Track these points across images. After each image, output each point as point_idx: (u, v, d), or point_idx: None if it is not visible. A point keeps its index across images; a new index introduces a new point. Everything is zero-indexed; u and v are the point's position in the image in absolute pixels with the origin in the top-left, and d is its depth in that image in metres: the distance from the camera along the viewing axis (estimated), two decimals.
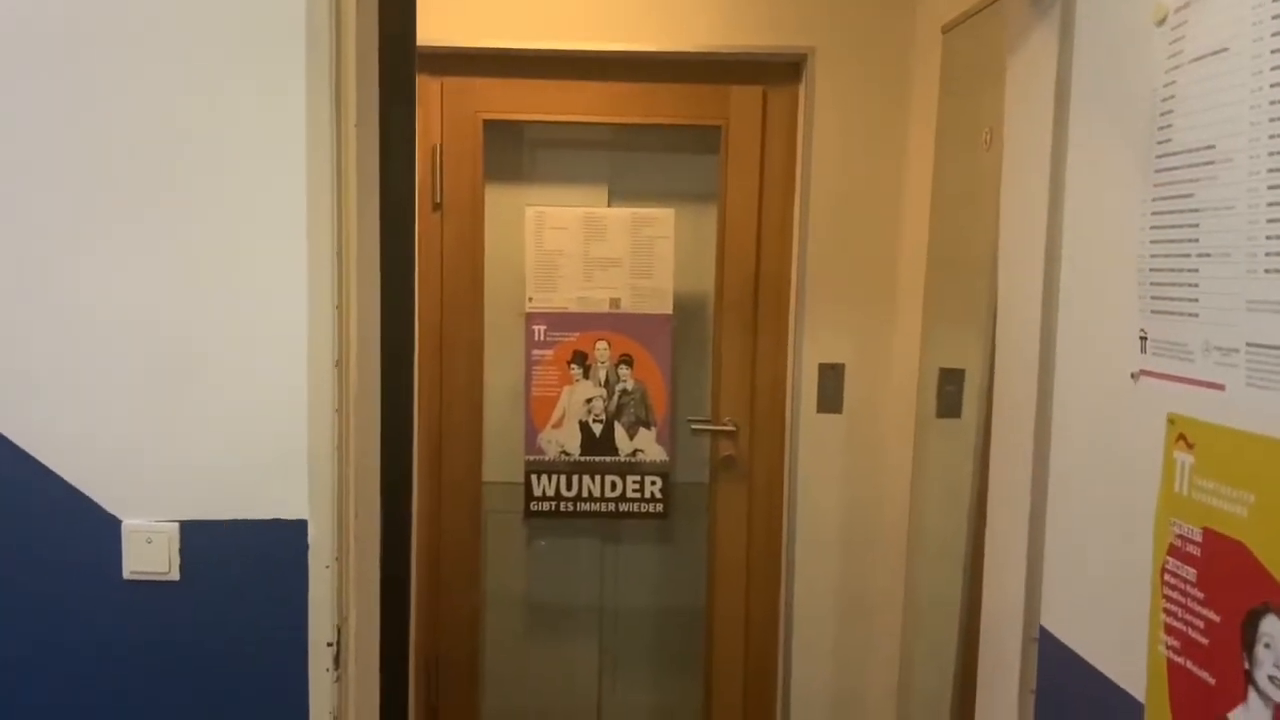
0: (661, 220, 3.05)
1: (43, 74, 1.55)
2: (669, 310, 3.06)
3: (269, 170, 1.55)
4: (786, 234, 2.97)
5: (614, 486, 3.12)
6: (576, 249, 3.04)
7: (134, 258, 1.56)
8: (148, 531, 1.59)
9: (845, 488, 2.93)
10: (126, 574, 1.60)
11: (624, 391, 3.09)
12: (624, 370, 3.08)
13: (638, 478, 3.11)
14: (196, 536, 1.60)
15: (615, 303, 3.06)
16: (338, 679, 1.61)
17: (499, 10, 2.82)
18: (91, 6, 1.53)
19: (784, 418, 3.03)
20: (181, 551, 1.60)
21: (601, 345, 3.07)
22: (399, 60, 1.85)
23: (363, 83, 1.62)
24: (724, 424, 3.09)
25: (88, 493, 1.59)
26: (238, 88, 1.55)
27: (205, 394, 1.59)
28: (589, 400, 3.09)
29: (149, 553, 1.59)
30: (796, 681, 2.99)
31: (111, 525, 1.59)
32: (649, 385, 3.08)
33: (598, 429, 3.10)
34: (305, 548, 1.59)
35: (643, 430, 3.10)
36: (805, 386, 2.90)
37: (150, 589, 1.60)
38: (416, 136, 2.69)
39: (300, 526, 1.59)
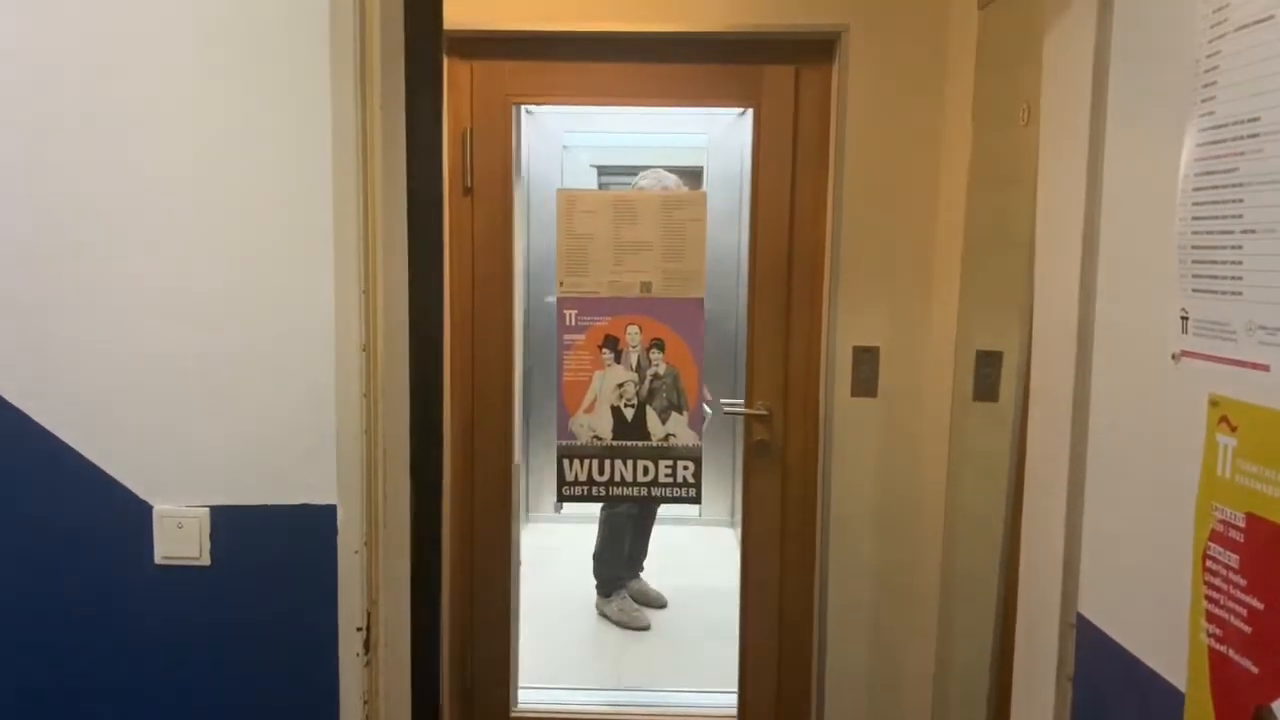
0: (694, 202, 3.02)
1: (70, 61, 1.55)
2: (701, 294, 3.02)
3: (294, 154, 1.55)
4: (820, 216, 2.93)
5: (646, 471, 3.09)
6: (606, 232, 3.01)
7: (160, 245, 1.57)
8: (178, 517, 1.60)
9: (880, 472, 2.89)
10: (158, 559, 1.61)
11: (655, 376, 3.06)
12: (655, 354, 3.05)
13: (670, 462, 3.09)
14: (227, 522, 1.61)
15: (646, 286, 3.02)
16: (368, 663, 1.62)
17: None
18: None
19: (818, 401, 3.00)
20: (212, 537, 1.61)
21: (633, 329, 3.04)
22: (425, 42, 1.84)
23: (388, 65, 1.60)
24: (757, 408, 3.07)
25: (119, 478, 1.60)
26: (262, 72, 1.55)
27: (234, 380, 1.59)
28: (620, 385, 3.07)
29: (180, 538, 1.60)
30: (832, 664, 2.97)
31: (143, 511, 1.61)
32: (681, 369, 3.05)
33: (630, 413, 3.07)
34: (334, 533, 1.59)
35: (675, 415, 3.07)
36: (839, 370, 2.87)
37: (181, 574, 1.62)
38: (447, 121, 2.70)
39: (329, 512, 1.59)
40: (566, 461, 3.10)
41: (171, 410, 1.59)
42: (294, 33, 1.54)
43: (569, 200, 3.03)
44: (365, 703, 1.61)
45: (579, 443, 3.09)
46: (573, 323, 3.04)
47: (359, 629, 1.60)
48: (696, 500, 3.14)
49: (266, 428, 1.59)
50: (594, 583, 4.44)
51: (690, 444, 3.08)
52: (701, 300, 3.03)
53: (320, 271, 1.55)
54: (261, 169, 1.56)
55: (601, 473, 3.10)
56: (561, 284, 3.04)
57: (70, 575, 1.62)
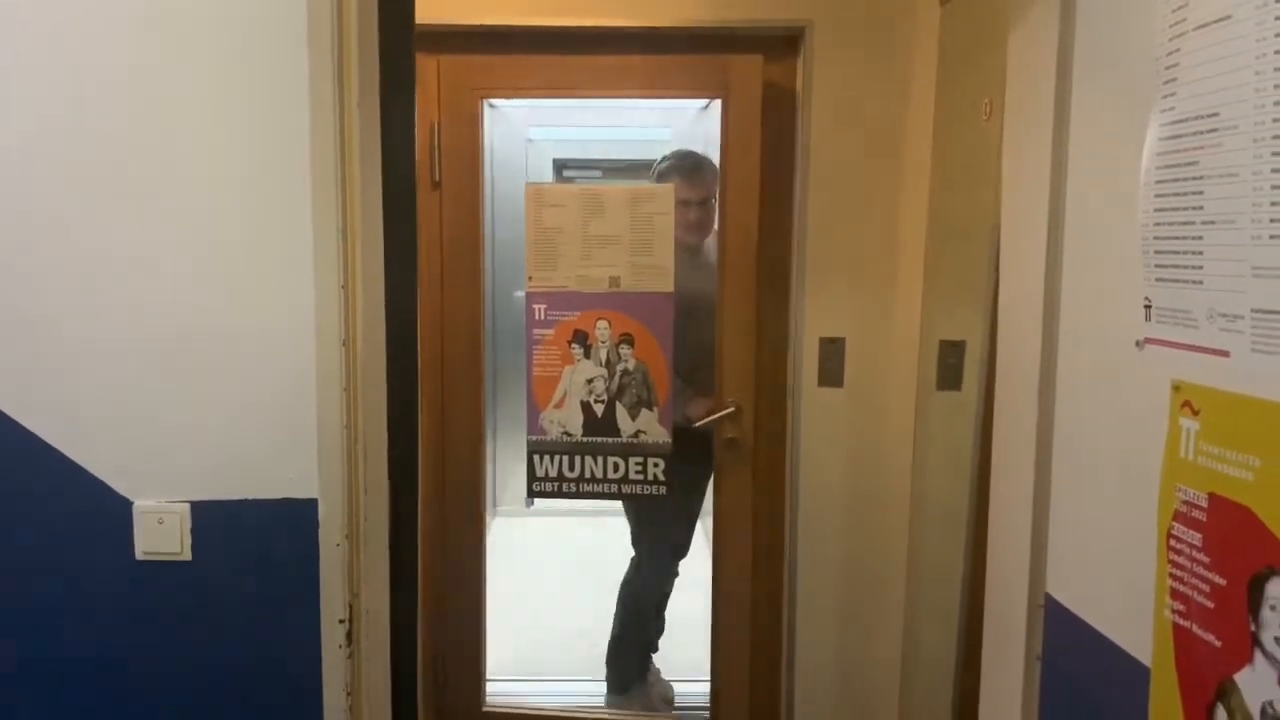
0: (661, 195, 3.00)
1: (52, 60, 1.55)
2: (670, 288, 2.98)
3: (273, 149, 1.56)
4: (786, 209, 2.96)
5: (616, 468, 3.06)
6: (575, 226, 2.98)
7: (141, 240, 1.57)
8: (159, 512, 1.60)
9: (848, 460, 2.94)
10: (138, 554, 1.62)
11: (625, 372, 3.02)
12: (625, 350, 3.01)
13: (640, 459, 3.05)
14: (208, 516, 1.62)
15: (615, 281, 2.99)
16: (350, 655, 1.63)
17: None
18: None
19: (785, 392, 3.03)
20: (193, 532, 1.61)
21: (602, 324, 3.01)
22: (398, 37, 1.85)
23: (364, 61, 1.61)
24: (725, 405, 3.04)
25: (99, 475, 1.60)
26: (241, 68, 1.56)
27: (214, 375, 1.60)
28: (590, 380, 3.03)
29: (160, 533, 1.60)
30: (801, 651, 3.01)
31: (123, 506, 1.61)
32: (651, 365, 3.01)
33: (599, 409, 3.04)
34: (316, 526, 1.60)
35: (644, 411, 3.03)
36: (806, 360, 2.91)
37: (162, 569, 1.62)
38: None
39: (310, 505, 1.60)
40: (536, 457, 3.06)
41: (151, 406, 1.60)
42: (272, 30, 1.54)
43: (537, 194, 3.01)
44: (348, 694, 1.62)
45: (549, 438, 3.05)
46: (542, 317, 3.01)
47: (341, 621, 1.61)
48: (667, 497, 3.08)
49: (247, 422, 1.60)
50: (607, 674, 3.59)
51: (660, 440, 3.03)
52: (670, 295, 2.99)
53: (300, 267, 1.56)
54: (240, 164, 1.57)
55: (571, 469, 3.07)
56: (531, 278, 3.00)
57: (51, 572, 1.62)
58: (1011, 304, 1.72)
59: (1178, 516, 1.19)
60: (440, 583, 3.12)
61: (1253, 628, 1.05)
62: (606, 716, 3.36)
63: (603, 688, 3.52)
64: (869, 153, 2.82)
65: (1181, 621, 1.18)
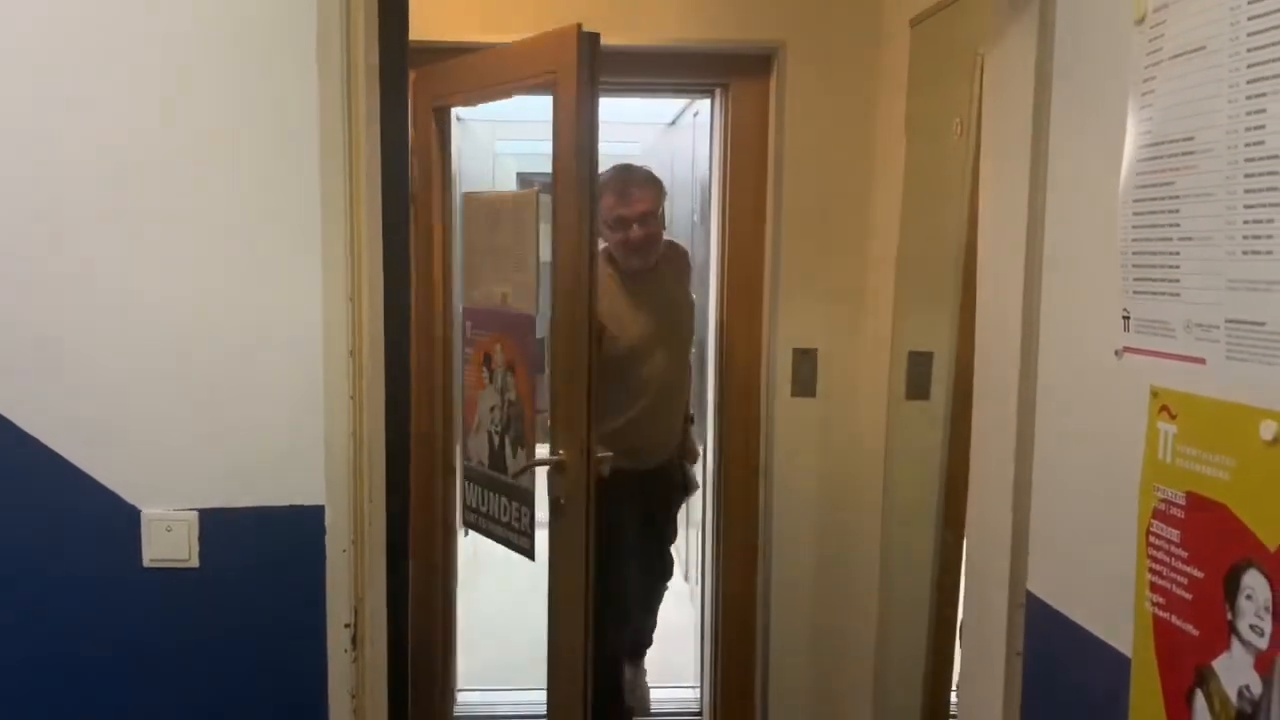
0: (525, 203, 2.52)
1: (66, 76, 1.58)
2: (531, 310, 2.48)
3: (285, 164, 1.59)
4: (760, 223, 3.03)
5: (504, 510, 2.59)
6: (486, 238, 2.67)
7: (153, 253, 1.60)
8: (167, 520, 1.63)
9: (820, 468, 3.00)
10: (146, 562, 1.64)
11: (510, 402, 2.57)
12: (509, 378, 2.56)
13: (518, 506, 2.56)
14: (215, 524, 1.64)
15: (505, 298, 2.57)
16: (355, 659, 1.66)
17: (460, 5, 2.85)
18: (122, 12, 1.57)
19: (759, 401, 3.09)
20: (201, 539, 1.64)
21: (498, 347, 2.62)
22: (394, 58, 1.89)
23: (369, 80, 1.66)
24: (555, 454, 2.38)
25: (107, 483, 1.62)
26: (254, 85, 1.59)
27: (222, 384, 1.62)
28: (492, 408, 2.64)
29: (169, 541, 1.63)
30: (775, 653, 3.08)
31: (131, 515, 1.63)
32: (524, 398, 2.54)
33: (497, 441, 2.63)
34: (322, 533, 1.64)
35: (521, 451, 2.55)
36: (780, 371, 2.97)
37: (170, 576, 1.64)
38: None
39: (317, 512, 1.64)
40: (467, 484, 2.78)
41: (160, 415, 1.62)
42: (283, 48, 1.58)
43: (470, 203, 2.81)
44: (353, 697, 1.65)
45: (472, 464, 2.76)
46: (469, 334, 2.77)
47: (347, 625, 1.64)
48: (529, 555, 2.57)
49: (254, 431, 1.63)
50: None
51: (526, 487, 2.52)
52: (532, 318, 2.49)
53: (309, 278, 1.60)
54: (252, 174, 1.60)
55: (482, 502, 2.71)
56: (466, 294, 2.80)
57: (60, 580, 1.64)
58: (990, 313, 1.78)
59: (1157, 514, 1.26)
60: (413, 591, 3.10)
61: (1229, 616, 1.12)
62: None
63: None
64: (841, 169, 2.90)
65: (1161, 613, 1.25)
